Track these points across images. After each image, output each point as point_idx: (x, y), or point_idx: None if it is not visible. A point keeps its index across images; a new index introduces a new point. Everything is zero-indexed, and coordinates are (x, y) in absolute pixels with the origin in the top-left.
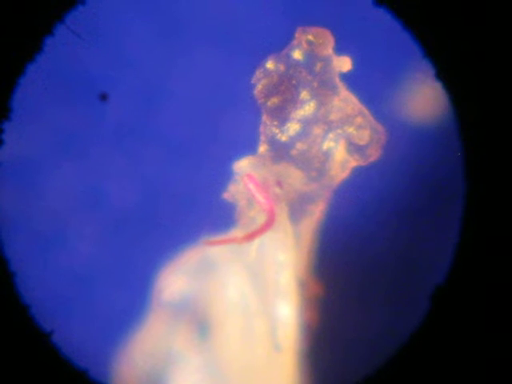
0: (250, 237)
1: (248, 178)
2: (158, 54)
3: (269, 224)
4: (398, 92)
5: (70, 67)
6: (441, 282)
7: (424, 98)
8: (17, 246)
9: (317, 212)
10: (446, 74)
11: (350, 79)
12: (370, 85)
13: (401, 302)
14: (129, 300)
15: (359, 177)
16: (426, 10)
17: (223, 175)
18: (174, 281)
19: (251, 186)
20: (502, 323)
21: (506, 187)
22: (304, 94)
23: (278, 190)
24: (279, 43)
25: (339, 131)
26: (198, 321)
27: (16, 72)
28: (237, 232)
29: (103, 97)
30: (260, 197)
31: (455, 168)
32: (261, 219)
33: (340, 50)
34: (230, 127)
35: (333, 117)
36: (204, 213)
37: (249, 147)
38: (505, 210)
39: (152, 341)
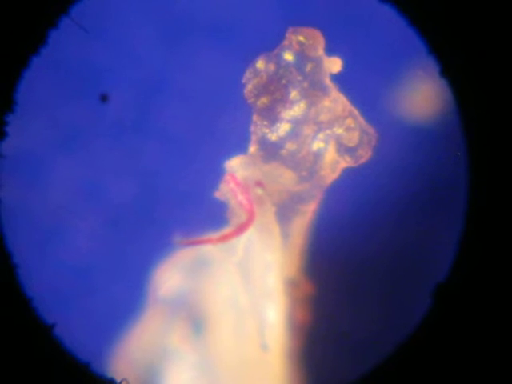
0: (225, 238)
1: (229, 177)
2: (155, 50)
3: (246, 225)
4: (401, 90)
5: (74, 60)
6: (442, 280)
7: (427, 96)
8: (19, 239)
9: (308, 212)
10: (452, 71)
11: (351, 78)
12: (372, 84)
13: (401, 299)
14: (126, 295)
15: (354, 176)
16: (431, 5)
17: (215, 174)
18: (170, 277)
19: (232, 186)
20: (504, 321)
21: (509, 186)
22: (294, 95)
23: (259, 191)
24: (271, 43)
25: (329, 132)
26: (193, 317)
27: (20, 65)
28: (226, 230)
29: (103, 98)
30: (240, 197)
31: (459, 166)
32: (243, 219)
33: (338, 48)
34: (222, 126)
35: (323, 118)
36: (197, 211)
37: (240, 146)
38: (508, 209)
39: (148, 336)
